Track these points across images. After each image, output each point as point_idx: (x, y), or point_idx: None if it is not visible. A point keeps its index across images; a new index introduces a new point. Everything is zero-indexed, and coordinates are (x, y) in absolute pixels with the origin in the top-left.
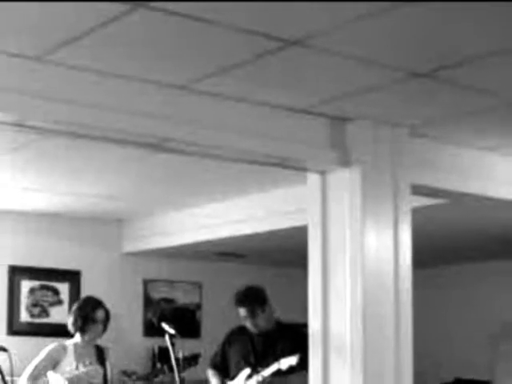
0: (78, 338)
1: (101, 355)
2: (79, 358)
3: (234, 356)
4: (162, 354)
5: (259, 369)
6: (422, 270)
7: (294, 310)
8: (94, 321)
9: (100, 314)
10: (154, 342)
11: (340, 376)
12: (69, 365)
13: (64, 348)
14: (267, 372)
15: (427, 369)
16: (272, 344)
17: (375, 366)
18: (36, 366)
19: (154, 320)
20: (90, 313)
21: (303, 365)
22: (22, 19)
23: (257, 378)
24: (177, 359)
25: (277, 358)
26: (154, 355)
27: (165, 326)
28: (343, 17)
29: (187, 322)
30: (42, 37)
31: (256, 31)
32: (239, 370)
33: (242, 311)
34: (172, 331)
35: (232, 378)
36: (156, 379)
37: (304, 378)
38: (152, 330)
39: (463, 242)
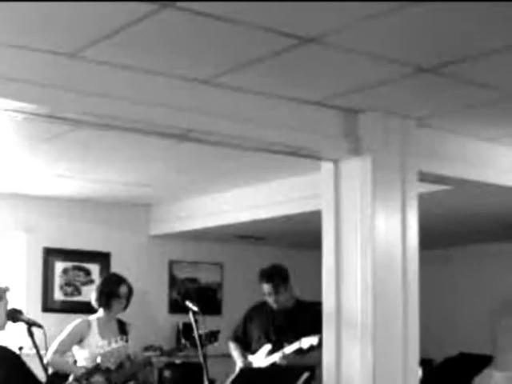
0: (101, 313)
1: (123, 330)
2: (103, 332)
3: (254, 331)
4: (186, 330)
5: (280, 345)
6: (428, 251)
7: (309, 289)
8: (117, 296)
9: (123, 289)
10: (178, 319)
11: (351, 349)
12: (93, 339)
13: (88, 323)
14: (288, 350)
15: (432, 343)
16: (292, 321)
17: (384, 339)
18: (61, 342)
19: (179, 298)
20: (113, 289)
21: (322, 343)
22: (57, 19)
23: (278, 354)
24: (199, 335)
25: (296, 335)
26: (178, 331)
27: (188, 303)
28: (355, 16)
29: (209, 300)
30: (75, 35)
31: (274, 29)
32: (260, 345)
33: (266, 287)
34: (195, 309)
35: (252, 353)
36: (180, 354)
37: (321, 355)
38: (177, 307)
39: (466, 226)
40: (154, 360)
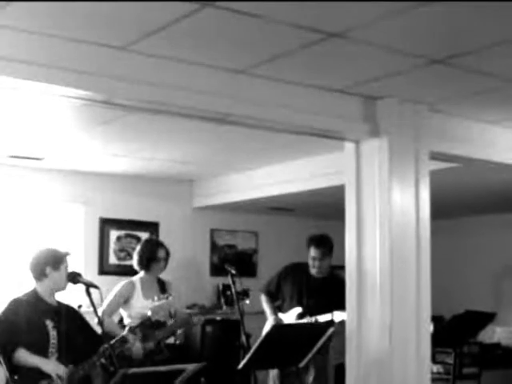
0: (142, 274)
1: (163, 289)
2: (146, 292)
3: (287, 289)
4: (225, 291)
5: (311, 311)
6: (438, 221)
7: (334, 254)
8: (156, 259)
9: (161, 252)
10: (218, 281)
11: (372, 307)
12: (137, 299)
13: (132, 284)
14: (321, 319)
15: (442, 302)
16: (326, 289)
17: (400, 298)
18: (109, 303)
19: (219, 262)
20: (152, 252)
21: None
22: (111, 16)
23: (310, 320)
24: (237, 294)
25: (326, 304)
26: (218, 291)
27: (227, 267)
28: (375, 14)
29: (245, 264)
30: (127, 30)
31: (303, 26)
32: (291, 305)
33: (314, 252)
34: (233, 271)
35: (283, 310)
36: (219, 311)
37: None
38: (217, 270)
39: (472, 198)
40: (194, 317)
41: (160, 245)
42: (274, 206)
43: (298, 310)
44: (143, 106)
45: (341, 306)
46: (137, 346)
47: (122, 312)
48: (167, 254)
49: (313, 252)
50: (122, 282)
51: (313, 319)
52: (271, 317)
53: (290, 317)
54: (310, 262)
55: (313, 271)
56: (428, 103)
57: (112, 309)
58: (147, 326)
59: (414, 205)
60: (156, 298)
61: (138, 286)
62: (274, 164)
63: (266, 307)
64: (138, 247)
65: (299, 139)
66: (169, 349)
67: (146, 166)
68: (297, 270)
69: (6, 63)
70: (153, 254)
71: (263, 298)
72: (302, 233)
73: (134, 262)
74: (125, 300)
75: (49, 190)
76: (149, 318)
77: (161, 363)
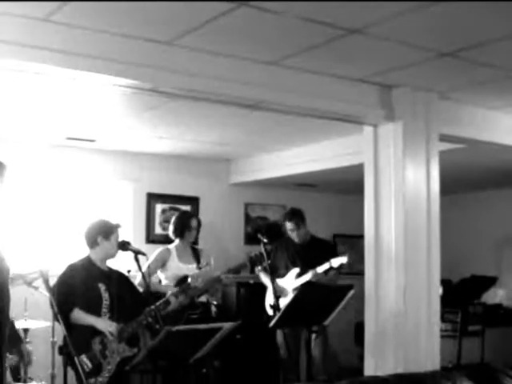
0: (177, 242)
1: (196, 254)
2: (180, 257)
3: (281, 260)
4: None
5: (307, 268)
6: (446, 196)
7: (353, 225)
8: (189, 228)
9: (194, 222)
10: (251, 249)
11: (388, 271)
12: (173, 263)
13: (169, 251)
14: (320, 269)
15: (450, 267)
16: (310, 250)
17: (413, 264)
18: (149, 266)
19: (252, 232)
20: (185, 223)
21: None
22: (157, 13)
23: (310, 273)
24: (269, 260)
25: (317, 261)
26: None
27: (260, 236)
28: (390, 12)
29: (276, 233)
30: (172, 26)
31: (327, 23)
32: (287, 271)
33: (289, 225)
34: (265, 240)
35: (280, 277)
36: (251, 275)
37: (337, 276)
38: (250, 239)
39: (476, 176)
40: (224, 278)
41: (192, 216)
42: (300, 183)
43: (296, 270)
44: (185, 93)
45: (330, 257)
46: (173, 301)
47: (160, 274)
48: (199, 224)
49: (288, 225)
50: (159, 249)
51: (311, 272)
52: (270, 285)
53: (290, 278)
54: (290, 234)
55: (296, 240)
56: (438, 91)
57: (150, 271)
58: (187, 291)
59: (425, 181)
60: (196, 266)
61: (174, 252)
62: (300, 145)
63: (266, 279)
64: (173, 218)
65: (323, 123)
66: (202, 306)
67: (188, 147)
68: (283, 243)
69: (64, 56)
70: (186, 224)
71: (261, 274)
72: (324, 206)
73: (170, 231)
74: (162, 264)
75: (101, 168)
76: (188, 284)
77: (197, 321)
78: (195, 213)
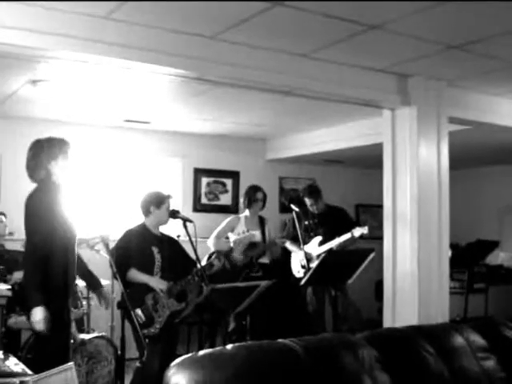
0: (247, 212)
1: (262, 223)
2: (247, 225)
3: (299, 225)
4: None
5: (329, 237)
6: (454, 171)
7: (374, 196)
8: (255, 200)
9: (259, 195)
10: (285, 217)
11: (403, 236)
12: (240, 229)
13: (238, 218)
14: (343, 238)
15: (458, 233)
16: (327, 217)
17: (425, 229)
18: (220, 230)
19: (286, 202)
20: (252, 195)
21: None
22: (202, 11)
23: (333, 242)
24: (303, 226)
25: (332, 226)
26: (285, 225)
27: (292, 206)
28: (405, 10)
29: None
30: (215, 23)
31: (350, 19)
32: (309, 238)
33: (309, 200)
34: (296, 209)
35: (304, 244)
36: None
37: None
38: (284, 208)
39: (481, 153)
40: (279, 242)
41: (258, 189)
42: (327, 159)
43: (319, 238)
44: (227, 81)
45: (349, 226)
46: (239, 258)
47: (231, 236)
48: (264, 196)
49: (308, 201)
50: (231, 217)
51: (336, 241)
52: (298, 249)
53: (313, 245)
54: (309, 207)
55: (316, 212)
56: (447, 80)
57: (221, 234)
58: (229, 254)
59: (436, 158)
60: (260, 232)
61: (242, 220)
62: (327, 126)
63: (292, 247)
64: (245, 191)
65: (347, 107)
66: (261, 267)
67: (229, 127)
68: (304, 214)
69: (122, 49)
70: (253, 196)
71: (287, 243)
72: (348, 179)
73: (241, 202)
74: (231, 229)
75: (154, 147)
76: (231, 249)
77: (256, 279)
78: (236, 185)
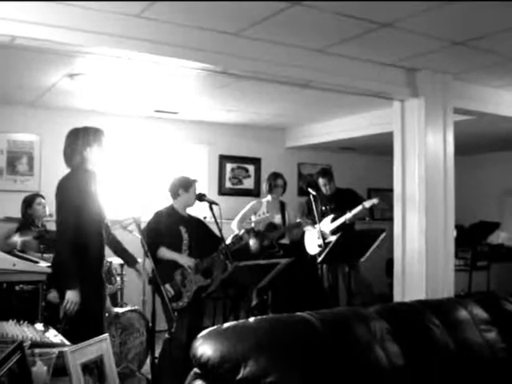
0: (269, 197)
1: (283, 207)
2: (269, 208)
3: (316, 207)
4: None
5: (341, 213)
6: (459, 157)
7: (385, 180)
8: (276, 186)
9: (279, 181)
10: (303, 199)
11: (412, 216)
12: (262, 212)
13: (260, 203)
14: (355, 210)
15: (462, 214)
16: (338, 198)
17: (432, 211)
18: (244, 213)
19: (304, 186)
20: (273, 181)
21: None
22: (227, 10)
23: (346, 216)
24: (319, 209)
25: (342, 205)
26: (303, 206)
27: (309, 189)
28: (414, 9)
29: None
30: (238, 21)
31: (363, 18)
32: (322, 215)
33: (322, 181)
34: (314, 193)
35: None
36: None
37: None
38: (302, 192)
39: (484, 141)
40: (303, 223)
41: (278, 175)
42: (342, 146)
43: (331, 216)
44: (249, 75)
45: (359, 203)
46: (254, 243)
47: (252, 218)
48: (284, 182)
49: (321, 181)
50: (253, 201)
51: (348, 215)
52: (312, 227)
53: (326, 222)
54: (322, 188)
55: (328, 192)
56: (452, 73)
57: (244, 217)
58: (250, 233)
59: (442, 145)
60: (280, 216)
61: (264, 204)
62: (342, 116)
63: (306, 227)
64: (266, 178)
65: (360, 99)
66: (281, 247)
67: (252, 117)
68: (315, 197)
69: (152, 45)
70: (273, 182)
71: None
72: (361, 165)
73: (263, 187)
74: (254, 212)
75: (182, 135)
76: (252, 228)
77: (277, 257)
78: (258, 171)
